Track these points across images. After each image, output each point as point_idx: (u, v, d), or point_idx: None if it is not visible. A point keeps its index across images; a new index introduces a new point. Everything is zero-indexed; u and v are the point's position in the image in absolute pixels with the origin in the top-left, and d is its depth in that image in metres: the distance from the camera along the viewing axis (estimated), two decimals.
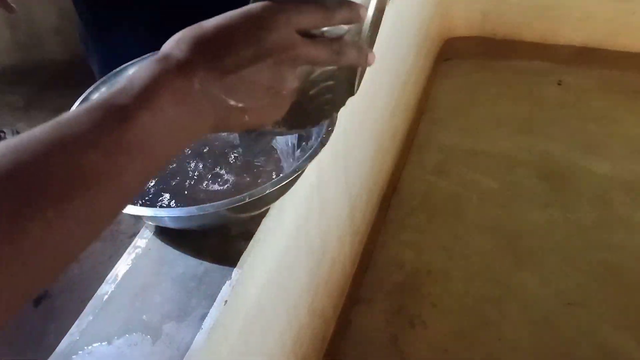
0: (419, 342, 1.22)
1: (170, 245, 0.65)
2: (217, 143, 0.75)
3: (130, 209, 0.56)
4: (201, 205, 0.55)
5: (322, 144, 0.59)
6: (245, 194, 0.55)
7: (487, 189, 1.53)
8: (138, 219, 0.64)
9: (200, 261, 0.63)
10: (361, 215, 1.24)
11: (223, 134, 0.74)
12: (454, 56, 1.95)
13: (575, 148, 1.61)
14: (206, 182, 0.71)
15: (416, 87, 1.65)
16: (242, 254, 0.64)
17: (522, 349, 1.19)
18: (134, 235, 0.67)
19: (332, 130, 0.61)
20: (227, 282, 0.62)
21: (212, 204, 0.55)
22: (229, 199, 0.55)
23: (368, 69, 0.47)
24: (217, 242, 0.65)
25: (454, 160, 1.62)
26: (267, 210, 0.69)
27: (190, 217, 0.56)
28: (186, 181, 0.70)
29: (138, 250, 0.66)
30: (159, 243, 0.66)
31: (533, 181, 1.54)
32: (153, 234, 0.67)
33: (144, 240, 0.67)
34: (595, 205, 1.46)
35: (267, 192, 0.55)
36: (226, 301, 0.60)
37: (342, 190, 1.04)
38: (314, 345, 1.02)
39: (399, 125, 1.49)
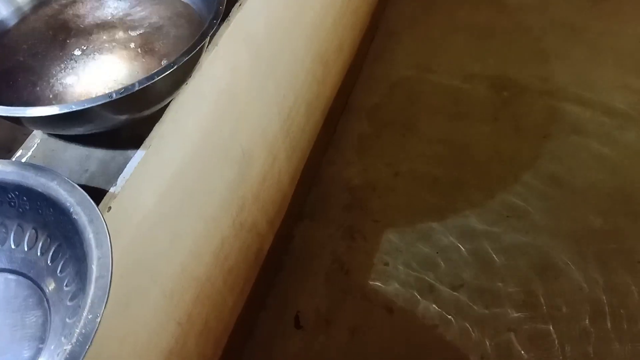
0: (359, 254, 1.23)
1: (55, 154, 0.62)
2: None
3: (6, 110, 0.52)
4: (80, 100, 0.51)
5: (212, 23, 0.54)
6: (134, 82, 0.51)
7: (438, 103, 1.49)
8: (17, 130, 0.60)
9: (85, 169, 0.60)
10: (299, 130, 1.20)
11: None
12: None
13: (530, 58, 1.56)
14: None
15: None
16: (128, 162, 0.61)
17: (461, 262, 1.21)
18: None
19: (222, 9, 0.56)
20: (111, 189, 0.59)
21: (92, 97, 0.51)
22: (113, 91, 0.50)
23: None
24: (103, 149, 0.61)
25: (407, 74, 1.57)
26: (160, 114, 0.64)
27: (70, 114, 0.51)
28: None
29: (23, 160, 0.62)
30: (42, 152, 0.62)
31: (485, 93, 1.50)
32: (36, 146, 0.63)
33: (27, 150, 0.63)
34: (545, 117, 1.43)
35: (155, 79, 0.51)
36: (110, 207, 0.58)
37: (270, 100, 1.00)
38: (244, 258, 1.01)
39: (345, 36, 1.41)
